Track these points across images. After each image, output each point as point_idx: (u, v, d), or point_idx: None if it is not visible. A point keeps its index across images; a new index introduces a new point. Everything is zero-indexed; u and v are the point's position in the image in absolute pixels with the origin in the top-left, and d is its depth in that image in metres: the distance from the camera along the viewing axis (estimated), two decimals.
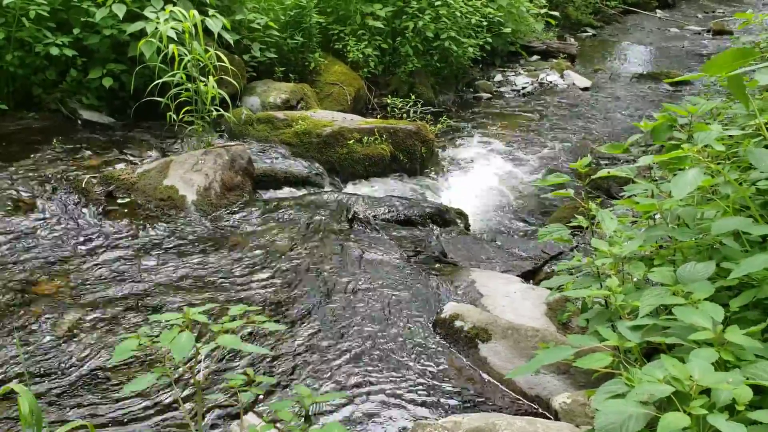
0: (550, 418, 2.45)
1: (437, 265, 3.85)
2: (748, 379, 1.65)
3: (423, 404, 2.65)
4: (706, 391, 1.62)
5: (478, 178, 5.84)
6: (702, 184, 2.11)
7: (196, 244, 3.77)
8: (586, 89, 8.89)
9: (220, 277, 3.45)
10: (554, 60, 9.72)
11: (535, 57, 9.90)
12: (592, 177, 2.90)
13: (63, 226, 3.78)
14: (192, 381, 1.90)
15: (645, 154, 3.46)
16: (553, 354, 2.04)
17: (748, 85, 2.53)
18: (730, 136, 2.45)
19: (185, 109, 4.60)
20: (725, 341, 1.80)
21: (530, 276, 3.96)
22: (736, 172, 2.38)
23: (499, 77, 9.08)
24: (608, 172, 2.79)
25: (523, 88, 8.76)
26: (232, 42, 5.59)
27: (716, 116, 3.28)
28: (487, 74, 9.10)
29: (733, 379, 1.62)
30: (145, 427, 2.42)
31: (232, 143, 5.03)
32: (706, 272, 2.08)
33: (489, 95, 8.45)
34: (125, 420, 2.44)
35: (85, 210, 3.97)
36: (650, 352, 2.23)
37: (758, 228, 2.06)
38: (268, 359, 2.83)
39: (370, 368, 2.82)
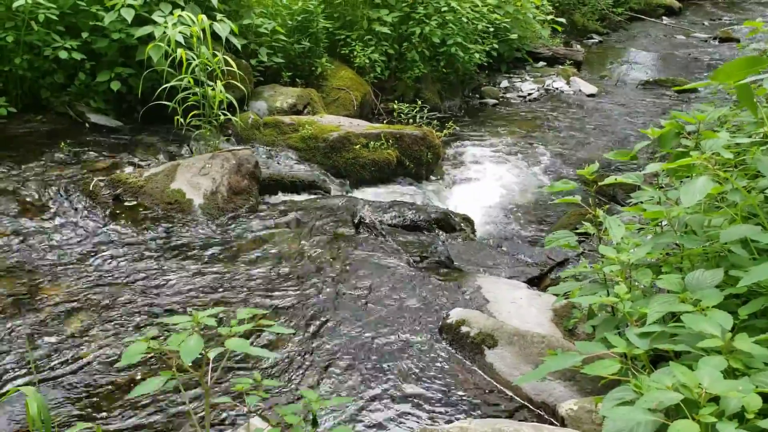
0: (556, 425, 2.45)
1: (443, 271, 3.84)
2: (757, 387, 1.65)
3: (429, 410, 2.64)
4: (715, 399, 1.62)
5: (484, 184, 5.84)
6: (710, 191, 2.12)
7: (203, 247, 3.78)
8: (592, 96, 8.88)
9: (227, 281, 3.45)
10: (560, 66, 9.72)
11: (541, 63, 9.91)
12: (600, 184, 2.90)
13: (70, 228, 3.80)
14: (200, 384, 1.90)
15: (652, 161, 3.46)
16: (561, 360, 2.04)
17: (757, 92, 2.54)
18: (737, 143, 2.46)
19: (193, 113, 4.62)
20: (734, 349, 1.80)
21: (536, 282, 3.96)
22: (744, 179, 2.38)
23: (505, 83, 9.08)
24: (615, 179, 2.79)
25: (529, 94, 8.76)
26: (239, 46, 5.61)
27: (723, 124, 3.28)
28: (493, 80, 9.11)
29: (743, 387, 1.61)
30: (152, 430, 2.42)
31: (239, 147, 5.05)
32: (714, 280, 2.08)
33: (495, 101, 8.46)
34: (133, 423, 2.45)
35: (92, 213, 3.98)
36: (656, 360, 2.23)
37: (767, 236, 2.06)
38: (274, 363, 2.83)
39: (376, 373, 2.82)
